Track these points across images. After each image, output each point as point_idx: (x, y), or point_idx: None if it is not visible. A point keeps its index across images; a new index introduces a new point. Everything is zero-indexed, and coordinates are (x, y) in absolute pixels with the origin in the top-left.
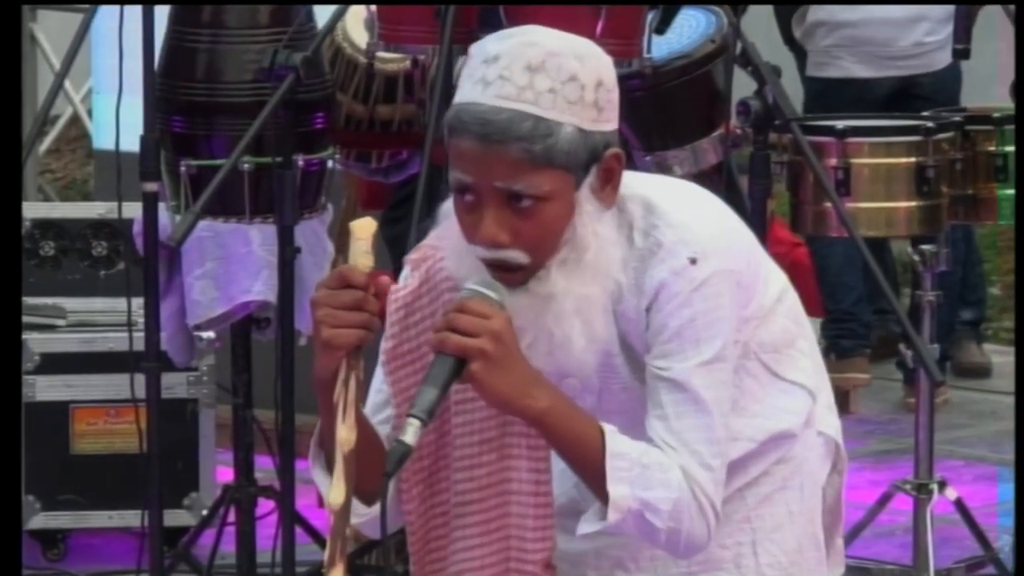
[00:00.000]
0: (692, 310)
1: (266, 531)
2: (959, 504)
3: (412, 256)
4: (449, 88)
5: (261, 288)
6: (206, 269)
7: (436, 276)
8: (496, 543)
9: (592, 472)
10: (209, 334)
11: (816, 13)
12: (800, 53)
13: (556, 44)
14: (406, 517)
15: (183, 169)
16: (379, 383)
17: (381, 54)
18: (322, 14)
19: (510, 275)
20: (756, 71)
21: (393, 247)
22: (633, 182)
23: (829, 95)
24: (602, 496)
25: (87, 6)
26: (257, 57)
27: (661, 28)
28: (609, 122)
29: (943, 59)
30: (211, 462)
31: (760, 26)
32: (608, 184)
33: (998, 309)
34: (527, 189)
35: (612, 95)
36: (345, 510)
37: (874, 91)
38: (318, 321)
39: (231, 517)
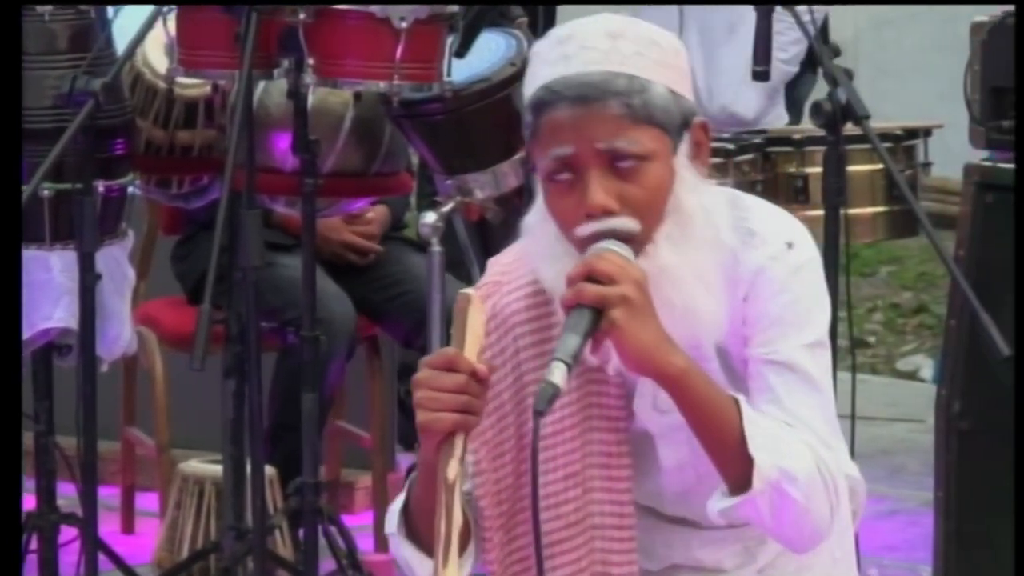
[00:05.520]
0: (792, 295)
1: (69, 559)
2: None
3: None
4: (249, 113)
5: (62, 315)
6: None
7: (504, 311)
8: None
9: (725, 441)
10: None
11: None
12: None
13: (628, 20)
14: (488, 566)
15: None
16: None
17: (181, 79)
18: (122, 40)
19: None
20: None
21: (183, 281)
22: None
23: None
24: (734, 469)
25: None
26: (56, 83)
27: (461, 51)
28: (689, 93)
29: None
30: None
31: None
32: (700, 154)
33: None
34: (630, 146)
35: (687, 67)
36: None
37: None
38: (416, 404)
39: (33, 545)
